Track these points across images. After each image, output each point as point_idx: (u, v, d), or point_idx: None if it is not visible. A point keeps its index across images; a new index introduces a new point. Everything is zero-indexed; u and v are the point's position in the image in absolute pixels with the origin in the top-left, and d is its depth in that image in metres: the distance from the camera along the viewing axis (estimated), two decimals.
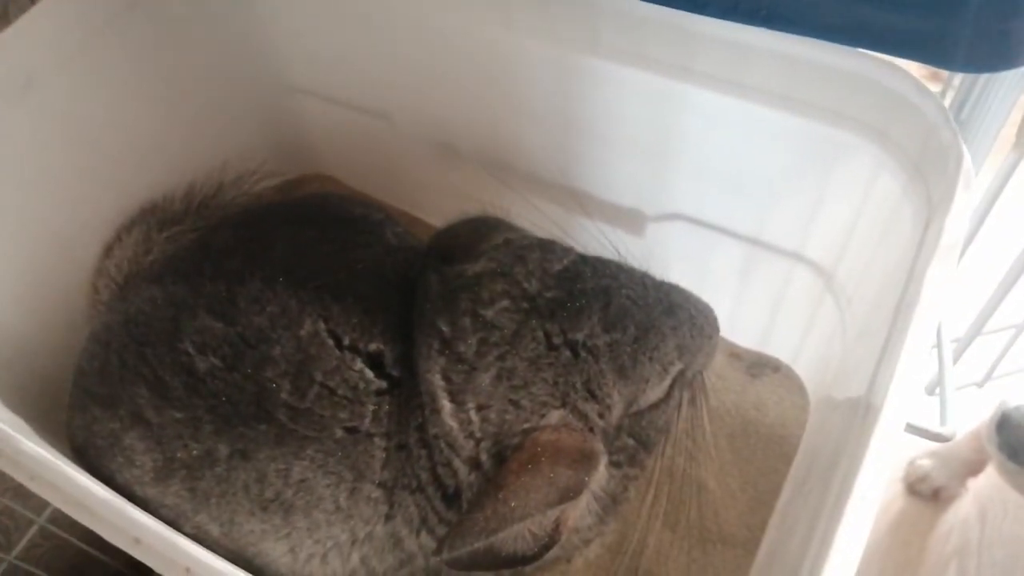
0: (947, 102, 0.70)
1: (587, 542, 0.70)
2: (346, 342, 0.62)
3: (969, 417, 1.01)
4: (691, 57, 0.70)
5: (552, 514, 0.54)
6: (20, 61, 0.73)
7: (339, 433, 0.60)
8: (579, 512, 0.58)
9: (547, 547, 0.55)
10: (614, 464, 0.61)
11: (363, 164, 1.08)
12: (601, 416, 0.58)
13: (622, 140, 0.82)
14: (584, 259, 0.63)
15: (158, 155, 0.89)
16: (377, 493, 0.61)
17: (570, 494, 0.53)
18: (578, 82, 0.78)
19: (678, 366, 0.61)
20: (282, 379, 0.61)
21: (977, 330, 0.83)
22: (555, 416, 0.56)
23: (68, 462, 0.56)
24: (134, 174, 0.87)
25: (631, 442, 0.62)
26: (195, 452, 0.61)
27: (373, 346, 0.63)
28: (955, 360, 0.82)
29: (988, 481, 1.10)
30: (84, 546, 0.83)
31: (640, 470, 0.66)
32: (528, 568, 0.60)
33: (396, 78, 0.91)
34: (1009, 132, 0.72)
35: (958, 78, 0.71)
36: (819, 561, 0.46)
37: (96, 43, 0.79)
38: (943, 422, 0.63)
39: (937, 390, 0.76)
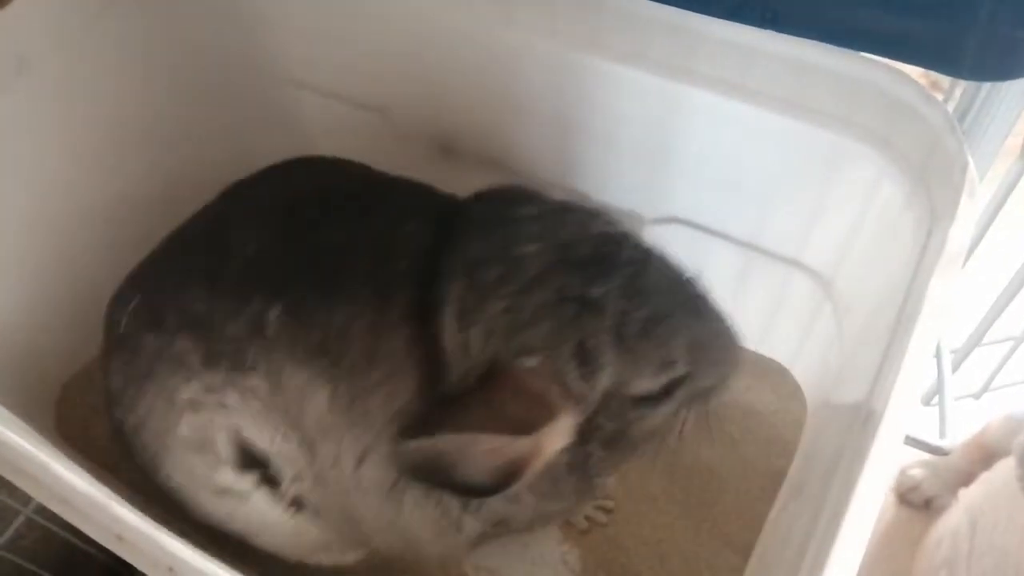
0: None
1: (546, 516, 0.72)
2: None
3: (964, 428, 1.01)
4: (693, 58, 0.70)
5: (501, 446, 0.54)
6: (13, 45, 0.72)
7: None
8: (535, 466, 0.58)
9: (501, 485, 0.55)
10: (581, 437, 0.60)
11: (358, 160, 1.07)
12: (584, 379, 0.57)
13: (621, 141, 0.81)
14: (628, 235, 0.63)
15: (150, 145, 0.88)
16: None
17: (517, 429, 0.54)
18: (578, 81, 0.77)
19: (681, 368, 0.59)
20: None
21: (976, 341, 0.82)
22: (537, 361, 0.57)
23: (54, 454, 0.55)
24: (127, 163, 0.86)
25: (610, 425, 0.61)
26: (243, 322, 0.62)
27: None
28: (953, 370, 0.82)
29: (979, 492, 1.10)
30: (70, 537, 0.82)
31: (611, 462, 0.66)
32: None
33: (394, 73, 0.90)
34: (1014, 143, 0.71)
35: (959, 88, 0.70)
36: (815, 571, 0.45)
37: (90, 30, 0.78)
38: (942, 435, 0.62)
39: (933, 400, 0.76)
